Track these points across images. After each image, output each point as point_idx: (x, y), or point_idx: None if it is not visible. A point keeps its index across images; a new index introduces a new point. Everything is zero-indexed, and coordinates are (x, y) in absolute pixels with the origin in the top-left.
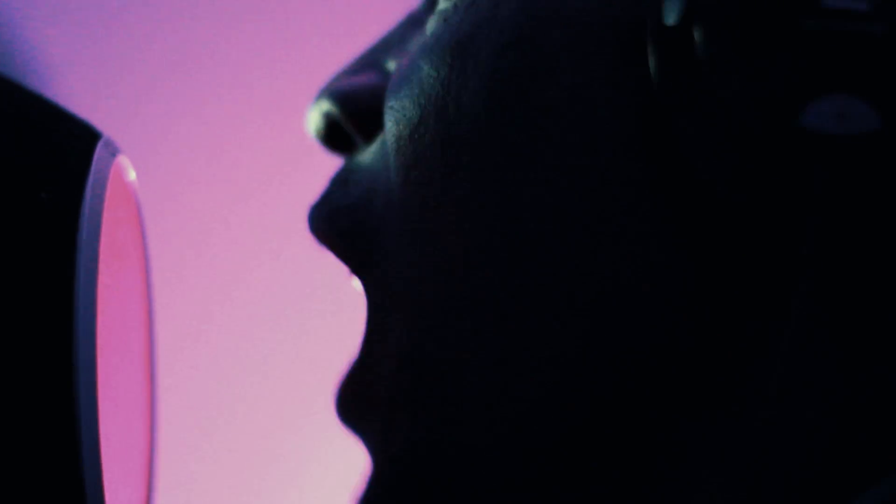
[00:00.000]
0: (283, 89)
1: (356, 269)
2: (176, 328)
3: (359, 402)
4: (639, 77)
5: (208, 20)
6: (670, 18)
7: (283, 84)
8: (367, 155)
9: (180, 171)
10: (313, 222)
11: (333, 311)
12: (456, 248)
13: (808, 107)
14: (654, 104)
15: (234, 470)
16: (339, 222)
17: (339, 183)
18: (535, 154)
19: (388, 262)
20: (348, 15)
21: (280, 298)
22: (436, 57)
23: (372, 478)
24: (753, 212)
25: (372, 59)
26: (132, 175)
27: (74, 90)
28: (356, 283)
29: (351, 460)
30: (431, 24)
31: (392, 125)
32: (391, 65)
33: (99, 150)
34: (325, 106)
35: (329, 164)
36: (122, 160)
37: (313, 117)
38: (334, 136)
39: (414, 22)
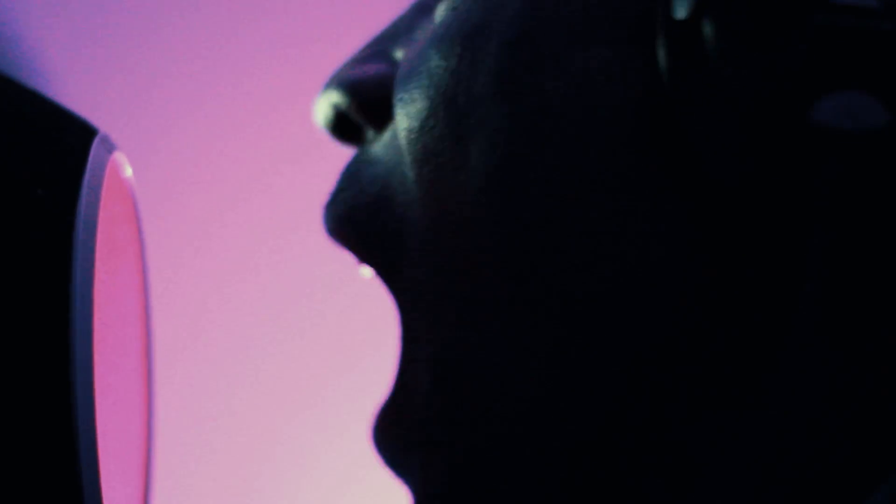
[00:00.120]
0: (281, 85)
1: (383, 274)
2: (173, 325)
3: (397, 435)
4: (647, 71)
5: (206, 17)
6: (680, 13)
7: (282, 80)
8: (380, 146)
9: (177, 167)
10: (330, 222)
11: (333, 309)
12: (473, 247)
13: (819, 103)
14: (663, 98)
15: (232, 468)
16: (359, 224)
17: (352, 177)
18: (544, 148)
19: (412, 265)
20: (347, 13)
21: (279, 296)
22: (445, 47)
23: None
24: (762, 206)
25: (380, 48)
26: (129, 172)
27: (71, 87)
28: (369, 275)
29: (350, 460)
30: (440, 12)
31: (402, 117)
32: (399, 53)
33: (95, 147)
34: (334, 96)
35: (328, 160)
36: (119, 157)
37: (321, 107)
38: (343, 126)
39: (422, 8)
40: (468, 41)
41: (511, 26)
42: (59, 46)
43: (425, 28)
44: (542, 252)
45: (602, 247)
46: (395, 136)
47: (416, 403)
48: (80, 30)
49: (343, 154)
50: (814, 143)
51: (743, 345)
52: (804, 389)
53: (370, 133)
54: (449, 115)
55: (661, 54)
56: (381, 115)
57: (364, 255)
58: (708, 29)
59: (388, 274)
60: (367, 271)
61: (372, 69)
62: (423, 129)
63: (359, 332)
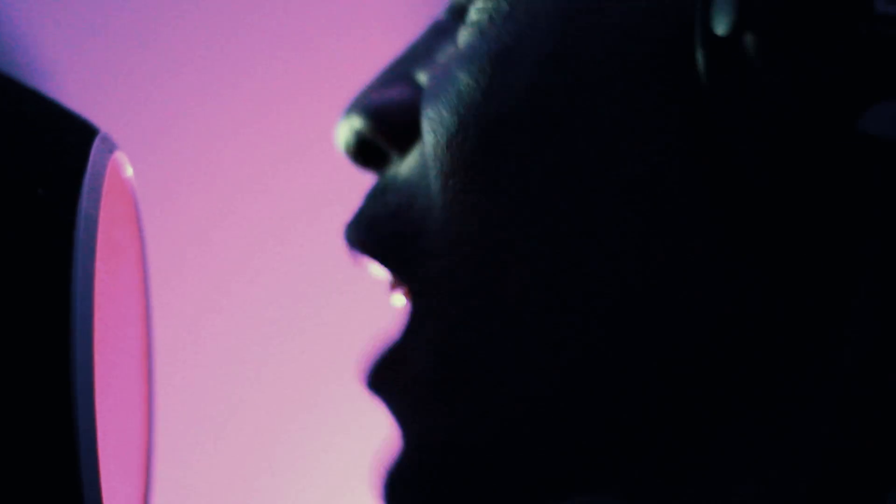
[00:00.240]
0: (281, 86)
1: (397, 269)
2: (173, 324)
3: (392, 377)
4: (686, 85)
5: (206, 17)
6: (721, 28)
7: (282, 81)
8: (404, 167)
9: (178, 167)
10: (352, 233)
11: (333, 309)
12: (497, 253)
13: (866, 112)
14: (703, 110)
15: (231, 468)
16: (378, 230)
17: (376, 197)
18: (580, 162)
19: (428, 264)
20: (345, 15)
21: (278, 295)
22: (474, 67)
23: (405, 457)
24: (809, 215)
25: (401, 71)
26: (129, 171)
27: (72, 87)
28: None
29: (347, 461)
30: (464, 36)
31: (430, 135)
32: (420, 76)
33: (96, 147)
34: (356, 122)
35: (329, 161)
36: (120, 156)
37: (343, 133)
38: (365, 151)
39: (440, 31)
40: (498, 61)
41: (545, 46)
42: (60, 46)
43: (446, 51)
44: (578, 258)
45: (639, 255)
46: (419, 156)
47: (414, 370)
48: (81, 30)
49: (344, 157)
50: (862, 153)
51: (792, 345)
52: (858, 391)
53: (394, 157)
54: (479, 130)
55: (702, 68)
56: (406, 139)
57: (380, 255)
58: (750, 42)
59: (402, 269)
60: (379, 271)
61: (395, 93)
62: (452, 144)
63: (358, 332)
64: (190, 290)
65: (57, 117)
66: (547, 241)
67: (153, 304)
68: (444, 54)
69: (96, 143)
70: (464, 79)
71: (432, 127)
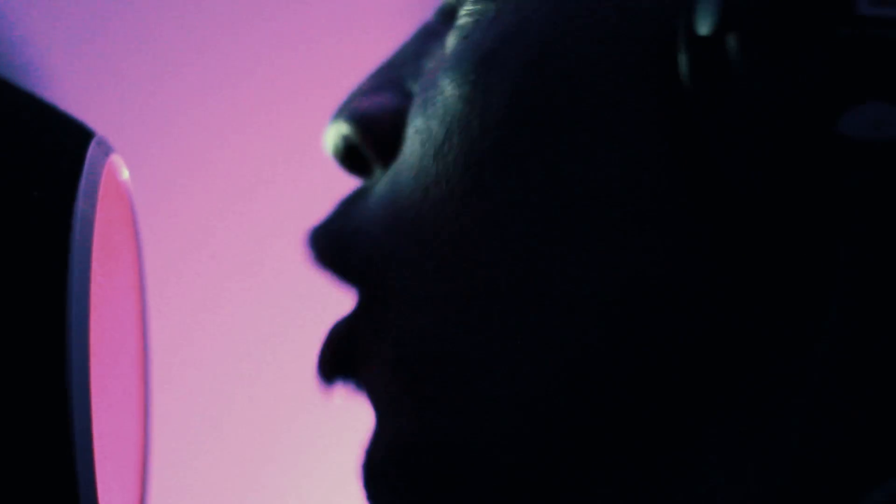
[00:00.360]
0: (278, 89)
1: (353, 281)
2: (170, 326)
3: (355, 371)
4: (668, 87)
5: (202, 20)
6: (703, 29)
7: (278, 83)
8: (382, 183)
9: (174, 170)
10: (313, 243)
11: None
12: (477, 258)
13: (846, 114)
14: (685, 113)
15: (228, 469)
16: (339, 246)
17: (345, 210)
18: (562, 165)
19: (396, 272)
20: (341, 16)
21: (275, 297)
22: (459, 76)
23: (377, 446)
24: (787, 216)
25: (389, 77)
26: (125, 174)
27: (68, 90)
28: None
29: (345, 463)
30: (452, 41)
31: (418, 146)
32: (409, 81)
33: (92, 149)
34: (345, 128)
35: (325, 163)
36: (116, 159)
37: (331, 138)
38: (352, 157)
39: (429, 34)
40: (482, 68)
41: (529, 50)
42: (56, 50)
43: (435, 55)
44: (558, 262)
45: (621, 259)
46: (398, 168)
47: (380, 370)
48: (77, 33)
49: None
50: (842, 155)
51: (769, 345)
52: (833, 394)
53: (377, 170)
54: (463, 139)
55: (684, 69)
56: (390, 150)
57: (339, 272)
58: (732, 43)
59: (360, 280)
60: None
61: (383, 101)
62: (437, 157)
63: None
64: (186, 292)
65: (53, 120)
66: (529, 247)
67: (149, 307)
68: (434, 59)
69: (92, 145)
70: (449, 87)
71: (420, 138)
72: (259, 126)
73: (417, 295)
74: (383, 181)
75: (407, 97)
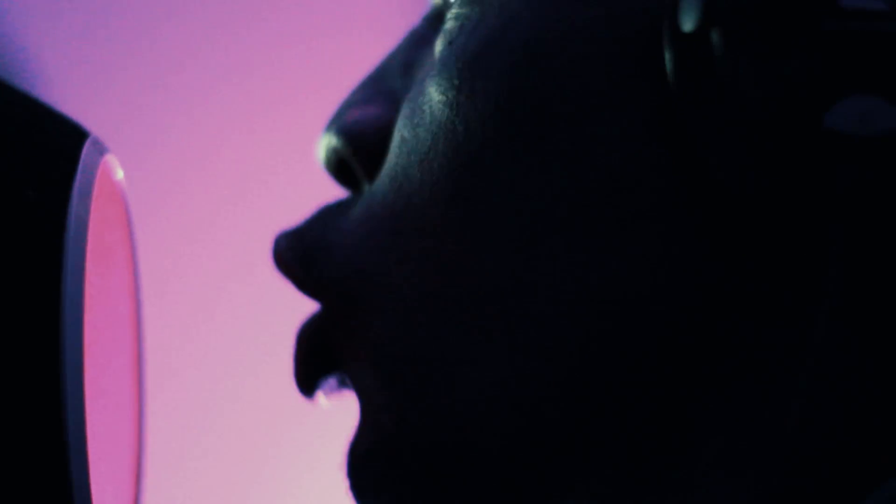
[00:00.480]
0: (273, 89)
1: (306, 287)
2: (164, 327)
3: (333, 355)
4: (656, 86)
5: (197, 22)
6: (687, 26)
7: (274, 84)
8: (361, 201)
9: (168, 170)
10: (279, 253)
11: None
12: (460, 264)
13: (832, 108)
14: (671, 110)
15: (223, 470)
16: (300, 260)
17: (318, 221)
18: (548, 168)
19: (361, 283)
20: (338, 17)
21: (269, 299)
22: (444, 82)
23: (366, 438)
24: (775, 212)
25: (379, 88)
26: (120, 174)
27: (62, 90)
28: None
29: (339, 460)
30: (438, 46)
31: (404, 156)
32: (398, 91)
33: (86, 149)
34: (334, 141)
35: (316, 165)
36: (110, 159)
37: (322, 150)
38: (343, 170)
39: (418, 40)
40: (466, 72)
41: (513, 53)
42: (51, 50)
43: (424, 63)
44: (544, 264)
45: (607, 259)
46: (379, 184)
47: (353, 359)
48: (72, 33)
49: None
50: (828, 149)
51: (760, 344)
52: (822, 387)
53: (364, 186)
54: (448, 146)
55: (669, 66)
56: (379, 165)
57: (301, 289)
58: (716, 39)
59: (326, 296)
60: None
61: (371, 113)
62: (423, 163)
63: None
64: (181, 292)
65: (47, 120)
66: (515, 250)
67: (143, 307)
68: (422, 68)
69: (87, 145)
70: (435, 94)
71: (406, 147)
72: (254, 127)
73: (394, 301)
74: (364, 199)
75: (396, 108)
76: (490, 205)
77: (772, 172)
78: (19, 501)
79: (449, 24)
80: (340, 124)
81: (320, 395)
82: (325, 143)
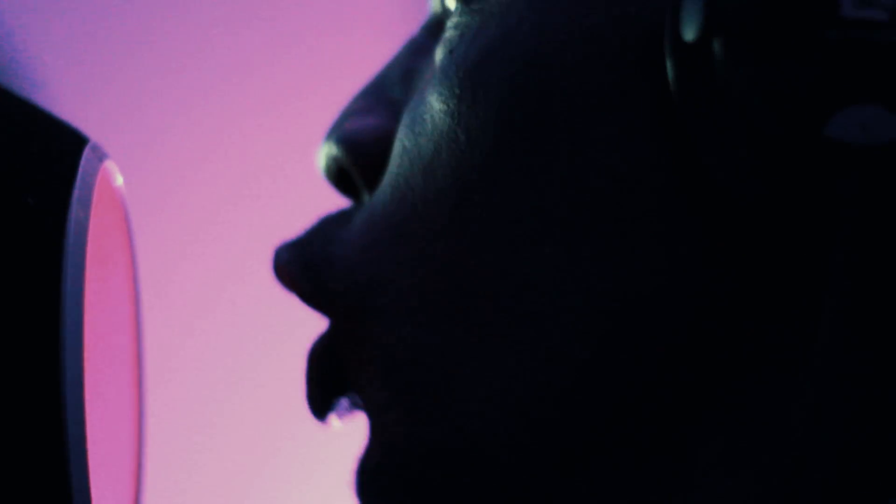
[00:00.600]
0: (271, 95)
1: (312, 300)
2: (163, 333)
3: (343, 373)
4: (655, 91)
5: (196, 27)
6: (689, 35)
7: (273, 89)
8: (362, 211)
9: (168, 176)
10: (279, 267)
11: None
12: (466, 272)
13: (833, 118)
14: (673, 117)
15: (222, 473)
16: (308, 274)
17: (319, 232)
18: (551, 175)
19: (366, 294)
20: (337, 19)
21: (268, 304)
22: (445, 90)
23: (376, 454)
24: (777, 221)
25: (378, 97)
26: (119, 180)
27: (62, 96)
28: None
29: (341, 462)
30: (439, 55)
31: (406, 165)
32: (398, 100)
33: (86, 155)
34: (334, 150)
35: (315, 171)
36: (110, 165)
37: (322, 159)
38: (343, 180)
39: (417, 49)
40: (467, 81)
41: (514, 62)
42: (51, 56)
43: (424, 72)
44: (549, 270)
45: (610, 264)
46: (380, 193)
47: (363, 374)
48: (72, 40)
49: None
50: (829, 158)
51: (763, 348)
52: (824, 389)
53: (364, 196)
54: (451, 155)
55: (671, 74)
56: (378, 176)
57: (305, 302)
58: (717, 48)
59: (332, 308)
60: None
61: (371, 122)
62: (427, 172)
63: None
64: (180, 298)
65: (47, 126)
66: (520, 258)
67: (143, 313)
68: (422, 77)
69: (86, 151)
70: (436, 103)
71: (408, 156)
72: (253, 132)
73: (401, 310)
74: (365, 209)
75: (396, 117)
76: (494, 211)
77: (772, 179)
78: (19, 501)
79: (449, 33)
80: (340, 133)
81: (333, 417)
82: (325, 152)
